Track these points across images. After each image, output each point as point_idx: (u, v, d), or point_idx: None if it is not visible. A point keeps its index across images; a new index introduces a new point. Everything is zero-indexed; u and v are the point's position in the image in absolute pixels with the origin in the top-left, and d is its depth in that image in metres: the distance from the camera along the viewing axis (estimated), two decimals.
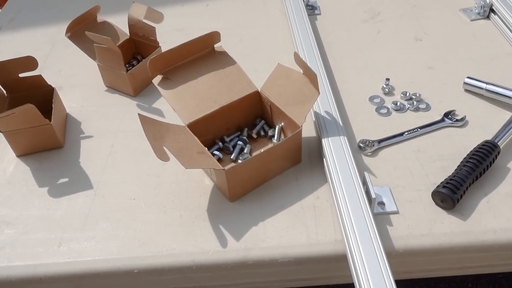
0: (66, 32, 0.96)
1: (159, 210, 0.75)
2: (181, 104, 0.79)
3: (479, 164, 0.73)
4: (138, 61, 1.02)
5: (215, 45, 0.85)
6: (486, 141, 0.76)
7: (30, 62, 0.86)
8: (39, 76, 0.89)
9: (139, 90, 0.98)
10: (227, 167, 0.70)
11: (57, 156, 0.85)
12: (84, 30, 0.92)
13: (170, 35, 1.03)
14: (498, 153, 0.76)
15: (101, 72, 0.98)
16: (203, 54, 0.84)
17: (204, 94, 0.81)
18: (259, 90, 0.83)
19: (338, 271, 0.69)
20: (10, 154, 0.86)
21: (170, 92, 0.80)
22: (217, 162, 0.71)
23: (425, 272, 0.72)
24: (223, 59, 0.85)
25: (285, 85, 0.79)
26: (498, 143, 0.76)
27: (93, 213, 0.75)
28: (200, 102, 0.80)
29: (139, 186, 0.79)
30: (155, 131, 0.69)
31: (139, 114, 0.69)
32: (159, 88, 0.81)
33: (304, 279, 0.72)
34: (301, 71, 0.78)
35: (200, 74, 0.83)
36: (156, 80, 0.82)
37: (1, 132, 0.81)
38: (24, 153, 0.85)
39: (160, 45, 1.00)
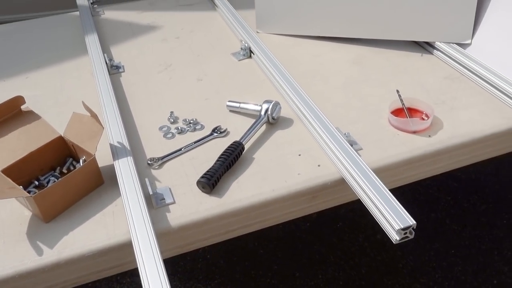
0: None
1: None
2: None
3: (227, 158, 1.03)
4: None
5: (22, 107, 1.07)
6: (233, 142, 1.07)
7: None
8: None
9: None
10: (35, 194, 0.90)
11: None
12: None
13: None
14: (243, 148, 1.07)
15: None
16: (11, 115, 1.06)
17: (14, 146, 1.01)
18: (62, 135, 1.05)
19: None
20: None
21: None
22: (25, 192, 0.92)
23: (201, 241, 0.98)
24: (30, 117, 1.07)
25: (79, 127, 1.03)
26: (243, 142, 1.08)
27: None
28: (11, 152, 1.00)
29: None
30: None
31: None
32: None
33: (113, 266, 0.93)
34: (89, 114, 1.03)
35: (10, 131, 1.04)
36: None
37: None
38: None
39: None
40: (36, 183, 1.02)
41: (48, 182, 1.02)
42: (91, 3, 1.80)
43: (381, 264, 2.03)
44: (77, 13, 1.78)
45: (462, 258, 2.00)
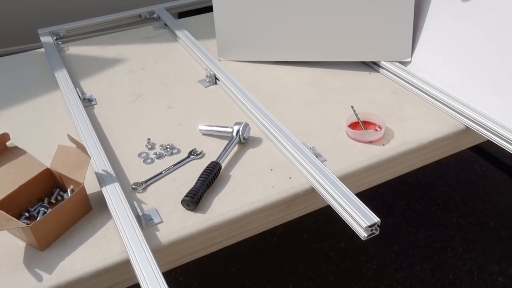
0: None
1: None
2: None
3: (207, 177, 1.12)
4: None
5: (7, 143, 1.12)
6: (211, 162, 1.17)
7: None
8: None
9: None
10: (31, 224, 0.96)
11: None
12: None
13: None
14: (220, 167, 1.17)
15: None
16: None
17: (4, 181, 1.06)
18: (49, 167, 1.11)
19: (130, 273, 0.99)
20: None
21: None
22: (22, 223, 0.97)
23: (189, 255, 1.07)
24: (16, 152, 1.12)
25: (66, 159, 1.10)
26: (220, 161, 1.18)
27: None
28: (1, 187, 1.05)
29: None
30: None
31: None
32: None
33: (110, 286, 1.00)
34: (75, 146, 1.09)
35: None
36: None
37: None
38: None
39: None
40: (27, 214, 1.07)
41: (38, 213, 1.07)
42: (55, 40, 1.86)
43: (347, 270, 2.16)
44: (41, 50, 1.83)
45: (420, 258, 2.17)
